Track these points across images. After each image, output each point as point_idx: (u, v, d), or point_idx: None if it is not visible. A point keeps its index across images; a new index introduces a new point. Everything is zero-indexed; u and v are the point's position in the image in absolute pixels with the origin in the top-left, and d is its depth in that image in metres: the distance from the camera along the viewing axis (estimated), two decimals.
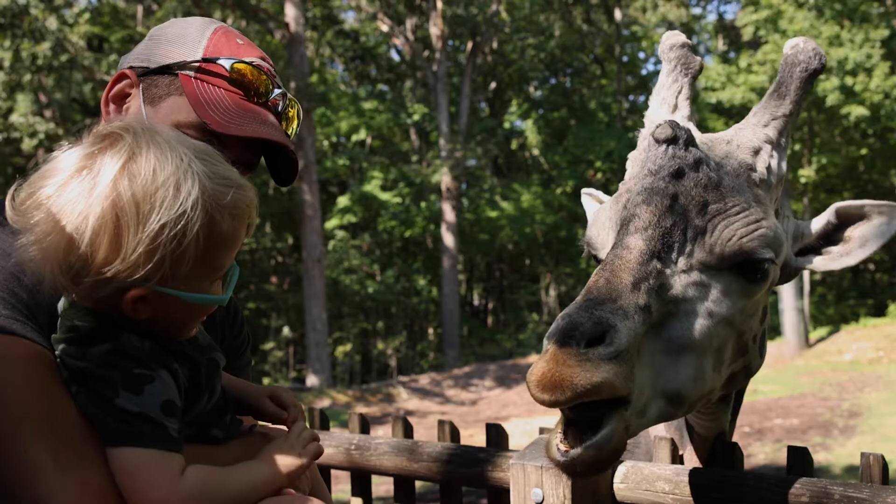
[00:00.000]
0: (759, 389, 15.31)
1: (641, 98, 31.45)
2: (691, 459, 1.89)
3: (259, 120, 1.58)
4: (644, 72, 32.79)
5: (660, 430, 1.96)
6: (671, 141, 1.52)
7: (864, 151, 22.49)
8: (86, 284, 1.21)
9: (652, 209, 1.47)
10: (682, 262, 1.45)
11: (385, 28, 27.38)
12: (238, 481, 1.29)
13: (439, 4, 25.36)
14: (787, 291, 20.33)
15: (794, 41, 1.72)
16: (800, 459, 1.80)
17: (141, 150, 1.23)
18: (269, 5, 21.06)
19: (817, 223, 1.70)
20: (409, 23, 27.49)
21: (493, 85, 31.67)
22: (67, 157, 1.24)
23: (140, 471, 1.20)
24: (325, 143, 28.10)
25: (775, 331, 23.08)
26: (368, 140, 29.20)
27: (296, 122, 1.73)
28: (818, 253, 1.69)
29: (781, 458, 9.72)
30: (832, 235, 1.69)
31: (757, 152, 1.63)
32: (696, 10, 33.84)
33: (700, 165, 1.51)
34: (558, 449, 1.31)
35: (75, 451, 1.21)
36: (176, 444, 1.24)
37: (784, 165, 1.68)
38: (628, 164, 1.70)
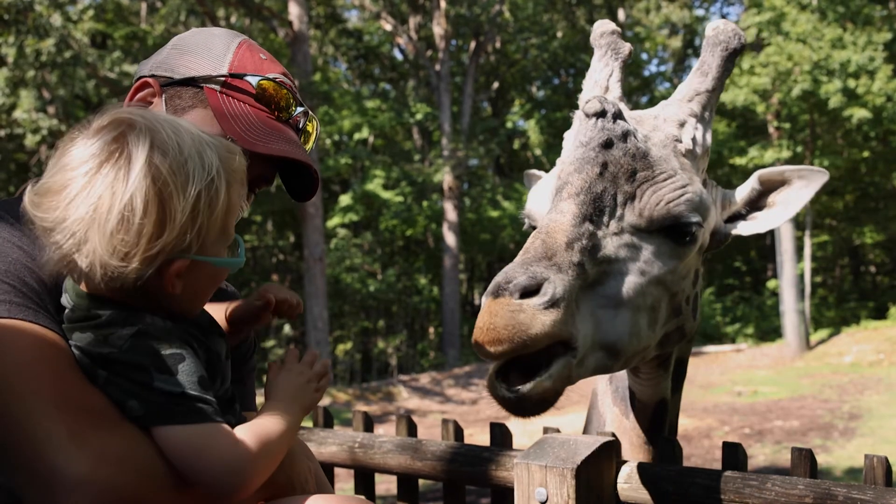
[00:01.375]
0: (760, 391, 15.32)
1: (644, 99, 31.41)
2: (633, 427, 1.94)
3: (284, 138, 1.61)
4: (647, 73, 32.77)
5: (607, 402, 2.01)
6: (600, 114, 1.60)
7: (865, 154, 22.46)
8: (136, 262, 1.21)
9: (583, 176, 1.56)
10: (613, 225, 1.54)
11: (388, 27, 27.37)
12: (273, 423, 1.33)
13: (443, 4, 25.35)
14: (788, 293, 20.32)
15: (715, 23, 1.83)
16: (804, 461, 1.80)
17: (158, 128, 1.27)
18: (273, 3, 21.03)
19: (742, 191, 1.80)
20: (413, 22, 27.48)
21: (495, 85, 31.65)
22: (87, 148, 1.24)
23: (206, 446, 1.23)
24: (328, 141, 28.08)
25: (776, 332, 23.07)
26: (371, 139, 29.18)
27: (314, 136, 1.75)
28: (745, 219, 1.79)
29: (781, 459, 9.71)
30: (757, 202, 1.79)
31: (682, 125, 1.72)
32: (700, 12, 33.77)
33: (628, 137, 1.59)
34: (505, 388, 1.37)
35: (91, 423, 1.21)
36: (221, 415, 1.27)
37: (709, 137, 1.77)
38: (564, 143, 1.79)
